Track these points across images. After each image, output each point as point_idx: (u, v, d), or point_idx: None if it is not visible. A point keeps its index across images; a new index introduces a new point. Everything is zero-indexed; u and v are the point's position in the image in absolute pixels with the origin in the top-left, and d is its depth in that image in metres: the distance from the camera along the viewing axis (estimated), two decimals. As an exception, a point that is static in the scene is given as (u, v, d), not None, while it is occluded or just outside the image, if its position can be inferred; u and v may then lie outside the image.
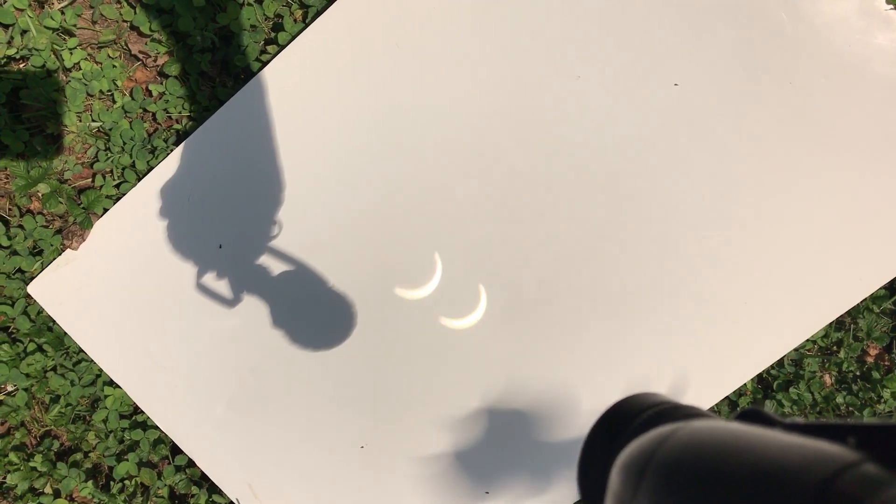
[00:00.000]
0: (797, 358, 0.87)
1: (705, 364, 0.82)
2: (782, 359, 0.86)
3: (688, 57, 0.79)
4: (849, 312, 0.84)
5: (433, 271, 0.82)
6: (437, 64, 0.80)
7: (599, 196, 0.80)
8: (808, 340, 0.84)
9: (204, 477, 0.87)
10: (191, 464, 0.87)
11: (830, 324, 0.82)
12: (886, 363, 0.87)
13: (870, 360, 0.87)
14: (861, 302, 0.81)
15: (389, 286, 0.82)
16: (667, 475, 0.26)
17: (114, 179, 0.84)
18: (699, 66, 0.79)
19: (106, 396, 0.87)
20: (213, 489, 0.87)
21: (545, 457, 0.82)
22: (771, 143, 0.79)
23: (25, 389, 0.87)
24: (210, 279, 0.83)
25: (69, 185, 0.85)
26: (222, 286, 0.83)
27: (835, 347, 0.87)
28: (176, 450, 0.87)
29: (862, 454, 0.20)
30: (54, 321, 0.85)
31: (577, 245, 0.81)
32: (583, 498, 0.38)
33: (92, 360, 0.86)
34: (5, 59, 0.81)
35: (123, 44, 0.83)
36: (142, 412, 0.86)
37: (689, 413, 0.35)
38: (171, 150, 0.82)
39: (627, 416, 0.36)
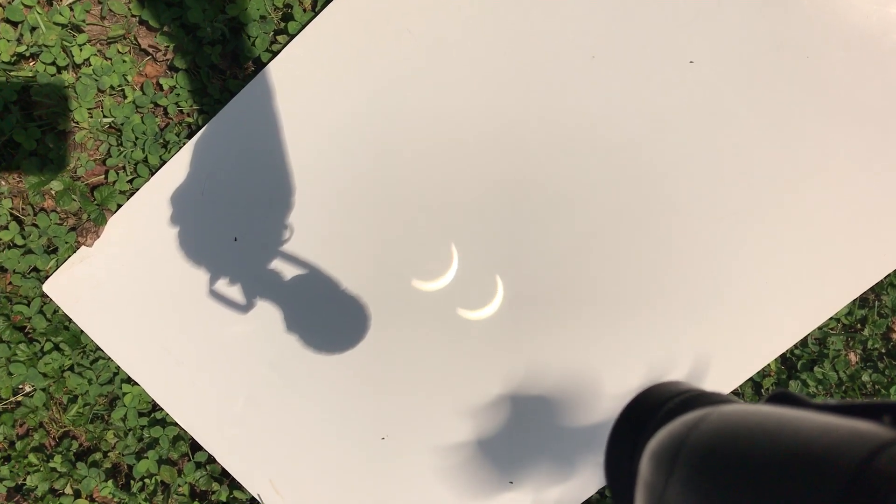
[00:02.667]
0: (821, 337, 0.86)
1: (728, 346, 0.81)
2: (806, 338, 0.85)
3: (703, 33, 0.78)
4: (872, 289, 0.83)
5: (450, 262, 0.81)
6: (450, 47, 0.79)
7: (617, 178, 0.79)
8: (831, 319, 0.83)
9: (224, 473, 0.87)
10: (211, 460, 0.87)
11: (854, 301, 0.81)
12: (912, 340, 0.86)
13: (895, 336, 0.86)
14: (885, 278, 0.80)
15: (406, 278, 0.81)
16: (700, 461, 0.25)
17: (127, 175, 0.84)
18: (714, 42, 0.78)
19: (124, 394, 0.86)
20: (234, 485, 0.87)
21: (568, 443, 0.81)
22: (789, 119, 0.78)
23: (43, 389, 0.87)
24: (223, 285, 0.82)
25: (82, 181, 0.84)
26: (236, 290, 0.82)
27: (859, 325, 0.86)
28: (196, 446, 0.86)
29: None
30: (70, 320, 0.85)
31: (595, 230, 0.80)
32: (610, 488, 0.37)
33: (109, 358, 0.85)
34: (15, 57, 0.81)
35: (133, 38, 0.83)
36: (160, 409, 0.86)
37: (716, 399, 0.34)
38: (184, 144, 0.82)
39: (653, 406, 0.36)
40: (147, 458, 0.87)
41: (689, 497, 0.24)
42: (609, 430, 0.39)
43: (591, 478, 0.82)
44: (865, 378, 0.85)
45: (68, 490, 0.88)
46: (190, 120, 0.84)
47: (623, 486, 0.34)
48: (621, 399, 0.79)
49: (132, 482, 0.88)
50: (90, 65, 0.82)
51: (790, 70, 0.78)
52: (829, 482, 0.19)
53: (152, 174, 0.83)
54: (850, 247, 0.79)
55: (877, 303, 0.85)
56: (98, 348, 0.85)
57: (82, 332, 0.85)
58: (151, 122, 0.83)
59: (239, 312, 0.82)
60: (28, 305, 0.85)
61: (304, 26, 0.80)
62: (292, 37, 0.81)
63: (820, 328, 0.84)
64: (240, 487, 0.86)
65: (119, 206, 0.83)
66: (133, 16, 0.82)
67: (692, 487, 0.24)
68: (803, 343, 0.86)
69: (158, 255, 0.83)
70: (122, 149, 0.83)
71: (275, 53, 0.81)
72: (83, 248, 0.83)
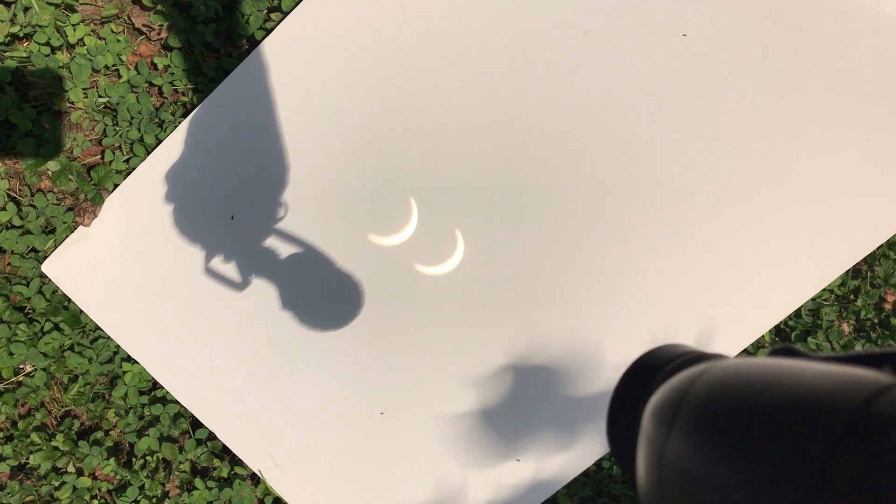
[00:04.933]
0: (814, 307, 0.87)
1: (722, 317, 0.81)
2: (800, 309, 0.86)
3: (695, 7, 0.78)
4: (865, 260, 0.84)
5: (454, 247, 0.82)
6: (442, 23, 0.79)
7: (610, 152, 0.80)
8: (824, 289, 0.84)
9: (225, 449, 0.88)
10: (212, 437, 0.87)
11: (847, 272, 0.82)
12: (904, 310, 0.86)
13: (888, 306, 0.86)
14: (877, 248, 0.81)
15: (409, 260, 0.82)
16: (700, 411, 0.25)
17: (123, 154, 0.84)
18: (707, 15, 0.78)
19: (124, 373, 0.87)
20: (235, 461, 0.88)
21: (570, 412, 0.82)
22: (782, 90, 0.78)
23: (44, 369, 0.88)
24: (219, 262, 0.83)
25: (78, 161, 0.85)
26: (230, 266, 0.83)
27: (852, 296, 0.87)
28: (196, 423, 0.87)
29: None
30: (69, 299, 0.85)
31: (591, 203, 0.80)
32: (612, 448, 0.38)
33: (109, 337, 0.86)
34: (9, 38, 0.81)
35: (126, 18, 0.83)
36: (161, 387, 0.87)
37: (719, 357, 0.34)
38: (179, 123, 0.82)
39: (656, 366, 0.36)
40: (148, 435, 0.88)
41: (690, 447, 0.24)
42: (611, 393, 0.39)
43: (593, 447, 0.83)
44: (858, 348, 0.86)
45: (71, 468, 0.89)
46: (185, 99, 0.84)
47: (625, 445, 0.34)
48: (620, 368, 0.80)
49: (134, 460, 0.89)
50: (84, 45, 0.82)
51: (783, 42, 0.78)
52: (828, 425, 0.19)
53: (148, 153, 0.83)
54: (842, 218, 0.80)
55: (869, 273, 0.86)
56: (97, 327, 0.86)
57: (81, 311, 0.85)
58: (147, 102, 0.83)
59: (235, 290, 0.82)
60: (27, 286, 0.86)
61: (297, 3, 0.80)
62: (286, 14, 0.81)
63: (813, 299, 0.85)
64: (241, 463, 0.87)
65: (116, 185, 0.84)
66: (126, -5, 0.82)
67: (692, 438, 0.24)
68: (797, 314, 0.87)
69: (156, 234, 0.83)
70: (117, 128, 0.84)
71: (268, 31, 0.81)
72: (81, 227, 0.84)
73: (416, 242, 0.82)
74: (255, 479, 0.88)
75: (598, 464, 0.85)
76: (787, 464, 0.19)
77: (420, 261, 0.82)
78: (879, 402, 0.19)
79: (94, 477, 0.90)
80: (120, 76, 0.84)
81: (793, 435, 0.20)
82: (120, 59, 0.83)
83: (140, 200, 0.83)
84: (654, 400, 0.29)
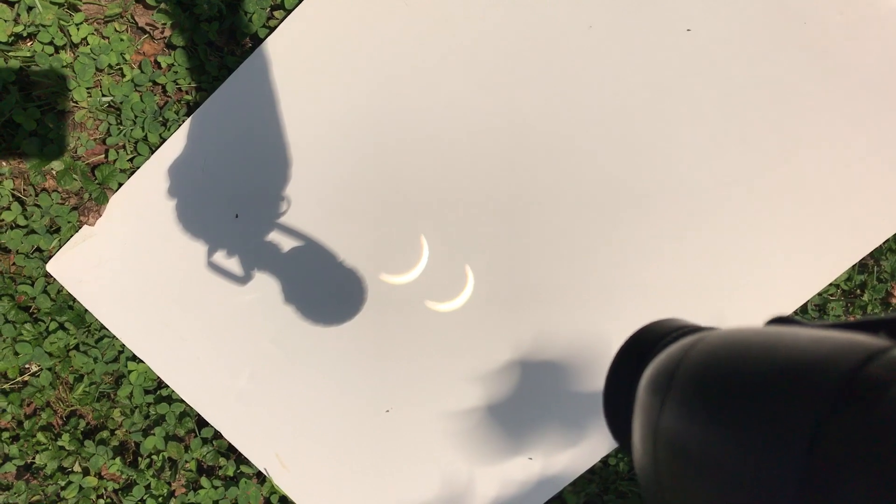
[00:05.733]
0: (821, 303, 0.86)
1: (728, 312, 0.81)
2: (806, 304, 0.85)
3: (700, 1, 0.78)
4: (871, 254, 0.83)
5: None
6: (446, 20, 0.79)
7: (615, 146, 0.79)
8: (830, 284, 0.83)
9: (231, 448, 0.88)
10: (217, 436, 0.87)
11: (853, 266, 0.82)
12: (911, 305, 0.86)
13: (894, 301, 0.86)
14: (884, 243, 0.80)
15: (416, 243, 0.82)
16: (694, 378, 0.25)
17: (127, 153, 0.84)
18: (711, 10, 0.78)
19: (130, 372, 0.87)
20: (241, 460, 0.88)
21: (576, 409, 0.82)
22: (788, 84, 0.78)
23: (49, 369, 0.88)
24: (221, 257, 0.83)
25: (83, 161, 0.85)
26: (233, 262, 0.83)
27: (858, 291, 0.87)
28: (202, 422, 0.87)
29: (893, 342, 0.20)
30: (74, 299, 0.85)
31: (595, 198, 0.80)
32: (609, 423, 0.37)
33: (114, 337, 0.86)
34: (13, 37, 0.81)
35: (129, 17, 0.83)
36: (166, 386, 0.87)
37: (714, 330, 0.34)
38: (183, 122, 0.82)
39: (653, 340, 0.36)
40: (154, 434, 0.88)
41: (685, 415, 0.24)
42: (608, 368, 0.39)
43: (599, 444, 0.83)
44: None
45: (77, 468, 0.89)
46: (188, 97, 0.84)
47: (621, 419, 0.34)
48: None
49: (140, 459, 0.89)
50: (88, 44, 0.82)
51: (788, 36, 0.78)
52: (821, 389, 0.19)
53: (152, 152, 0.83)
54: (848, 212, 0.79)
55: (876, 268, 0.86)
56: (102, 327, 0.86)
57: (86, 310, 0.85)
58: (150, 101, 0.83)
59: (239, 284, 0.82)
60: (32, 285, 0.86)
61: (300, 1, 0.80)
62: (289, 12, 0.81)
63: (819, 294, 0.84)
64: (246, 462, 0.87)
65: (120, 184, 0.84)
66: (129, -6, 0.82)
67: (687, 405, 0.24)
68: (803, 309, 0.86)
69: (160, 233, 0.83)
70: (121, 127, 0.84)
71: (272, 29, 0.81)
72: (85, 227, 0.84)
73: (416, 243, 0.82)
74: (261, 478, 0.88)
75: (604, 461, 0.85)
76: (779, 428, 0.19)
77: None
78: (873, 364, 0.18)
79: (99, 476, 0.90)
80: (123, 75, 0.84)
81: (785, 400, 0.20)
82: (123, 58, 0.83)
83: (144, 199, 0.83)
84: (650, 371, 0.29)
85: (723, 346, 0.25)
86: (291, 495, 0.86)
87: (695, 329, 0.35)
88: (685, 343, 0.28)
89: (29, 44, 0.83)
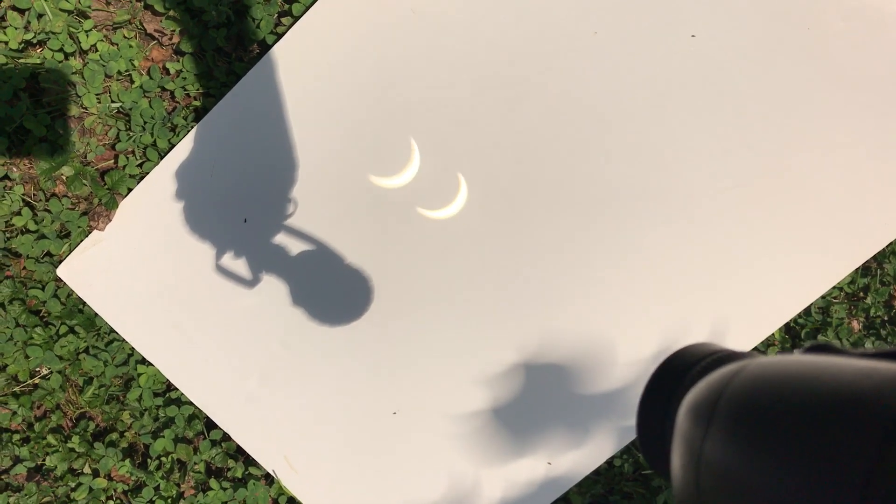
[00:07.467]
0: (824, 305, 0.87)
1: (732, 315, 0.82)
2: (809, 307, 0.86)
3: (704, 7, 0.78)
4: (875, 257, 0.84)
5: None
6: (453, 27, 0.80)
7: (620, 150, 0.80)
8: (834, 287, 0.84)
9: (240, 450, 0.88)
10: (226, 438, 0.88)
11: (856, 269, 0.82)
12: (914, 307, 0.87)
13: (897, 304, 0.87)
14: (887, 246, 0.81)
15: (413, 258, 0.82)
16: (738, 409, 0.25)
17: (136, 159, 0.85)
18: (715, 15, 0.79)
19: (139, 375, 0.88)
20: (250, 462, 0.88)
21: (582, 410, 0.83)
22: (791, 89, 0.79)
23: (59, 372, 0.88)
24: (229, 259, 0.84)
25: (92, 166, 0.85)
26: (241, 265, 0.84)
27: (861, 293, 0.87)
28: (211, 424, 0.88)
29: None
30: (84, 303, 0.86)
31: (602, 200, 0.81)
32: (643, 450, 0.37)
33: (123, 340, 0.87)
34: (23, 44, 0.82)
35: (138, 23, 0.84)
36: (175, 389, 0.87)
37: (751, 356, 0.34)
38: (192, 127, 0.83)
39: (685, 366, 0.35)
40: (163, 437, 0.89)
41: (729, 446, 0.24)
42: (640, 394, 0.39)
43: (605, 445, 0.83)
44: (868, 345, 0.87)
45: (87, 469, 0.90)
46: (197, 103, 0.85)
47: (657, 446, 0.34)
48: (631, 367, 0.81)
49: (149, 461, 0.90)
50: (97, 50, 0.83)
51: (792, 42, 0.78)
52: (871, 425, 0.19)
53: (161, 158, 0.84)
54: (851, 216, 0.80)
55: (879, 271, 0.86)
56: (112, 330, 0.86)
57: (96, 314, 0.86)
58: (159, 107, 0.84)
59: (246, 286, 0.83)
60: (42, 290, 0.87)
61: (307, 8, 0.81)
62: (296, 19, 0.81)
63: (823, 297, 0.85)
64: (255, 464, 0.88)
65: (130, 189, 0.84)
66: (138, 1, 0.83)
67: (731, 437, 0.24)
68: (807, 312, 0.87)
69: (169, 237, 0.84)
70: (131, 133, 0.84)
71: (279, 35, 0.82)
72: (95, 232, 0.84)
73: (420, 243, 0.82)
74: (270, 480, 0.89)
75: (609, 462, 0.85)
76: (833, 466, 0.19)
77: (425, 260, 0.83)
78: None
79: (109, 478, 0.91)
80: (132, 81, 0.84)
81: (837, 437, 0.20)
82: (132, 64, 0.84)
83: (154, 204, 0.84)
84: (690, 398, 0.29)
85: (766, 376, 0.25)
86: (300, 497, 0.87)
87: (728, 355, 0.35)
88: (725, 372, 0.28)
89: (39, 50, 0.83)
